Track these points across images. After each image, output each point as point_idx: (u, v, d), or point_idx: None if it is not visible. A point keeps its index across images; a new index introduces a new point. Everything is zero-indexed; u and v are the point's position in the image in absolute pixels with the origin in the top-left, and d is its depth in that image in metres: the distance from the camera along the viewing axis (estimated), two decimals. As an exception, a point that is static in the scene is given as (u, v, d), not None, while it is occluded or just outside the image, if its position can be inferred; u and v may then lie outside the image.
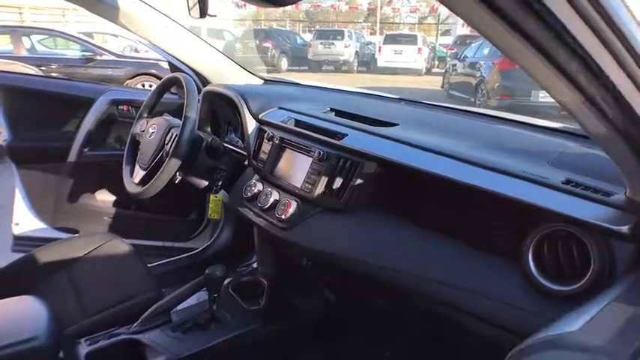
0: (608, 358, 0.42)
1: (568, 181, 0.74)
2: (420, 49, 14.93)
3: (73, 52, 7.57)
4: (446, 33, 20.67)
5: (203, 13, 0.99)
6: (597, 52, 0.38)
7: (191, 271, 1.64)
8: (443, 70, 12.10)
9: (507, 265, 0.78)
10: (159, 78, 7.39)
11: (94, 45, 7.61)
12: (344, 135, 1.07)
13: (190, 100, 1.22)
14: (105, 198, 1.94)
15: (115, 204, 1.92)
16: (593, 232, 0.68)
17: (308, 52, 15.12)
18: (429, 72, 15.15)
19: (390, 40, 15.57)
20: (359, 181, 0.98)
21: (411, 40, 15.20)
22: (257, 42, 14.29)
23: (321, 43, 15.31)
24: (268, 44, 13.87)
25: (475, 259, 0.82)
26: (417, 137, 0.98)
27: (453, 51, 11.91)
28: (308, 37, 18.19)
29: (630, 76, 0.43)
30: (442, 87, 10.01)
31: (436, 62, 16.96)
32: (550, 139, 0.97)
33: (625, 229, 0.63)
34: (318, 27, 21.68)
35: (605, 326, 0.48)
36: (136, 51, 9.60)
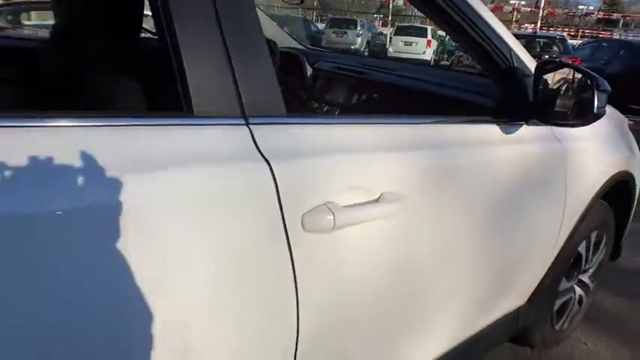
0: None
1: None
2: (429, 42, 15.54)
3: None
4: (455, 27, 21.15)
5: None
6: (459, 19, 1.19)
7: None
8: (449, 63, 12.77)
9: None
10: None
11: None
12: (365, 73, 1.91)
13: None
14: None
15: None
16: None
17: (321, 39, 15.83)
18: (436, 64, 15.82)
19: (401, 31, 16.20)
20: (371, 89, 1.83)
21: (421, 32, 15.80)
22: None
23: (334, 32, 15.99)
24: (285, 30, 14.56)
25: None
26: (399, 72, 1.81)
27: (460, 44, 12.50)
28: (320, 25, 18.82)
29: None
30: (446, 77, 10.72)
31: (445, 55, 17.57)
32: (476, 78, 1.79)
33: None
34: (330, 15, 22.25)
35: None
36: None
